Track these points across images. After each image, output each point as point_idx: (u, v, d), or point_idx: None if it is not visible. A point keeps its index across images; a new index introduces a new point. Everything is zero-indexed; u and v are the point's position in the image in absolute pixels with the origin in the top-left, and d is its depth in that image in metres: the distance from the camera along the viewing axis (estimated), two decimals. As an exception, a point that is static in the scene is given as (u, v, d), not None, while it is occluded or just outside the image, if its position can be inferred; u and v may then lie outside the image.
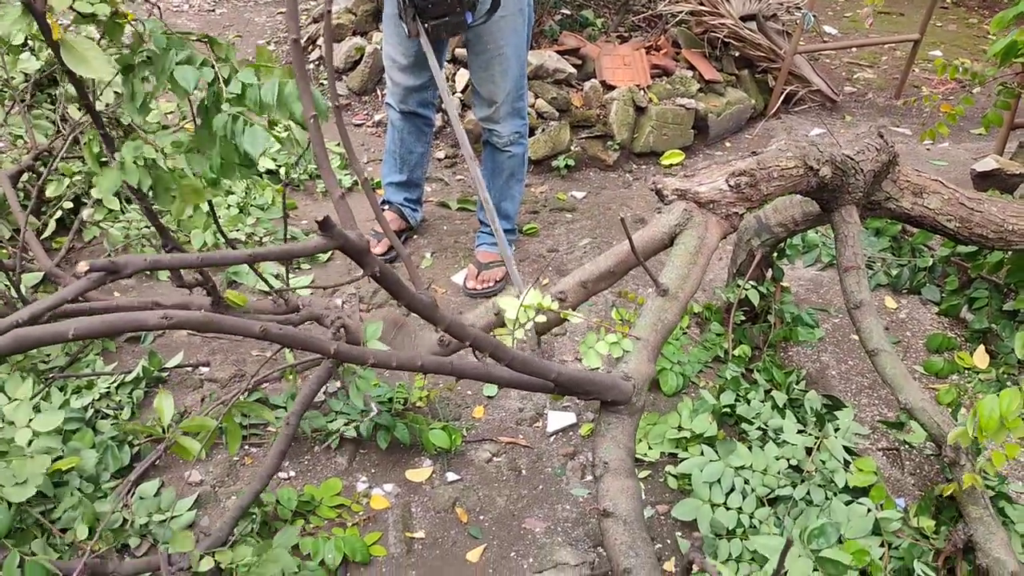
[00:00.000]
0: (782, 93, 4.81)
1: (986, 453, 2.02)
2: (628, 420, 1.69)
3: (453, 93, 4.05)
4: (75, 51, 1.20)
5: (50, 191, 2.69)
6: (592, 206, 3.78)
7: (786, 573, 1.84)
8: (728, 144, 4.54)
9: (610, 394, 1.66)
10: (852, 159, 2.08)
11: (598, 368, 1.68)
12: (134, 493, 2.02)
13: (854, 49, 6.06)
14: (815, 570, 1.82)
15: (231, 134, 1.36)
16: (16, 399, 1.69)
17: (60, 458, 1.92)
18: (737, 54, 4.81)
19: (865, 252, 3.37)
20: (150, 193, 1.62)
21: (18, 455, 1.64)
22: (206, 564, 1.71)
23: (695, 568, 1.12)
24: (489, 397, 2.54)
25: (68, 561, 1.65)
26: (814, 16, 4.62)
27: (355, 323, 1.94)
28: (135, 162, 1.53)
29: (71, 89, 3.02)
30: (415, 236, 3.42)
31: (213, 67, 1.35)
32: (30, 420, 1.68)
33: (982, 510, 1.91)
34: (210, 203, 2.06)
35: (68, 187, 2.79)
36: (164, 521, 1.95)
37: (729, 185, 1.89)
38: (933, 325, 3.02)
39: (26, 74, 2.87)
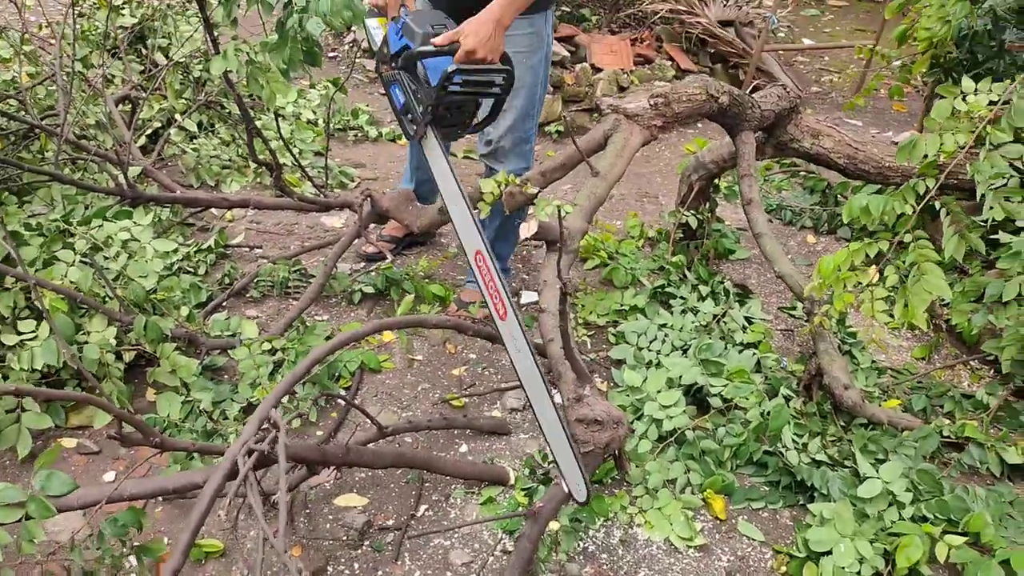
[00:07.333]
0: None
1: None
2: (564, 256, 2.39)
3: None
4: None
5: (143, 114, 3.46)
6: (576, 164, 4.51)
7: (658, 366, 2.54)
8: (699, 126, 5.27)
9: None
10: (749, 96, 2.80)
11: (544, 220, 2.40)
12: (210, 319, 2.76)
13: (826, 58, 6.79)
14: (702, 373, 2.53)
15: (298, 27, 2.06)
16: (139, 224, 2.43)
17: (156, 291, 2.65)
18: (712, 51, 5.56)
19: (799, 204, 4.09)
20: (242, 83, 2.36)
21: (143, 257, 2.38)
22: (265, 345, 2.44)
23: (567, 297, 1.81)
24: (470, 281, 3.24)
25: (173, 329, 2.39)
26: (777, 19, 5.36)
27: (378, 195, 2.68)
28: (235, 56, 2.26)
29: (159, 41, 3.81)
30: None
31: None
32: (150, 241, 2.43)
33: (828, 344, 2.60)
34: (276, 115, 2.82)
35: (156, 113, 3.55)
36: (233, 335, 2.68)
37: (649, 104, 2.61)
38: (841, 255, 3.71)
39: (124, 27, 3.66)
